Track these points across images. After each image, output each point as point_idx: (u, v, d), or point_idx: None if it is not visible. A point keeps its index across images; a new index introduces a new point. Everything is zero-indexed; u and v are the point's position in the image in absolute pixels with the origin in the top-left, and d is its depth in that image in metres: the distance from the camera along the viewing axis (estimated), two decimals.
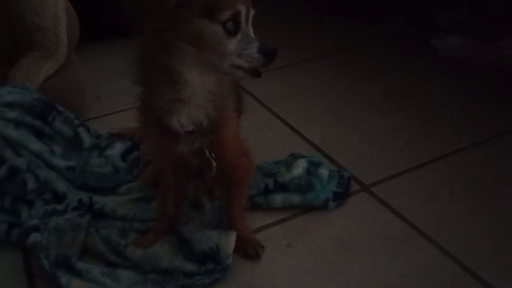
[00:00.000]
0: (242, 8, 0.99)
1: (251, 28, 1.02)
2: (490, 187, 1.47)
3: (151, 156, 1.43)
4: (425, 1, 2.48)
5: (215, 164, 1.16)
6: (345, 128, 1.75)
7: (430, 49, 2.24)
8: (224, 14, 0.96)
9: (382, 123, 1.77)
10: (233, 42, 0.99)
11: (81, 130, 1.56)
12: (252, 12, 1.02)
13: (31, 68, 1.66)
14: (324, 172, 1.45)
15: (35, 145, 1.48)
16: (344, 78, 2.07)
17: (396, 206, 1.40)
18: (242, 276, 1.22)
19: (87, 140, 1.56)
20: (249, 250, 1.26)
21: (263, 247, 1.27)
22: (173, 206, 1.29)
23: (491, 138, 1.67)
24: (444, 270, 1.22)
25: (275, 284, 1.20)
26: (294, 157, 1.51)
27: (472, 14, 2.34)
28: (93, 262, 1.24)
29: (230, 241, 1.23)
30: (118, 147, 1.54)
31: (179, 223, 1.30)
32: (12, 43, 1.72)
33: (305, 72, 2.12)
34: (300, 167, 1.45)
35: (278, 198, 1.40)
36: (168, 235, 1.28)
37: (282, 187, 1.42)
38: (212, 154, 1.16)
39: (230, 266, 1.21)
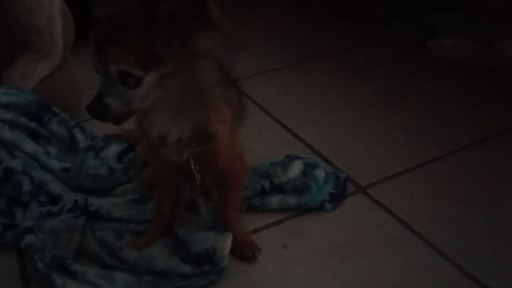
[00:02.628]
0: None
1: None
2: (487, 188, 1.46)
3: (148, 157, 1.43)
4: (425, 3, 2.47)
5: (199, 177, 1.16)
6: (342, 130, 1.74)
7: (429, 50, 2.24)
8: None
9: (379, 124, 1.76)
10: None
11: (76, 131, 1.56)
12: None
13: (26, 69, 1.66)
14: (320, 173, 1.44)
15: (30, 146, 1.47)
16: (343, 79, 2.06)
17: (393, 208, 1.39)
18: (238, 277, 1.21)
19: (82, 141, 1.55)
20: (245, 252, 1.26)
21: (259, 249, 1.27)
22: (170, 208, 1.28)
23: (488, 138, 1.66)
24: (441, 272, 1.21)
25: (271, 285, 1.19)
26: (290, 158, 1.50)
27: (471, 16, 2.33)
28: (88, 264, 1.23)
29: (226, 242, 1.22)
30: (113, 149, 1.53)
31: (174, 225, 1.29)
32: (11, 44, 1.72)
33: (303, 73, 2.11)
34: (296, 168, 1.44)
35: (274, 200, 1.40)
36: (164, 236, 1.27)
37: (278, 189, 1.41)
38: (197, 167, 1.14)
39: (226, 268, 1.21)
